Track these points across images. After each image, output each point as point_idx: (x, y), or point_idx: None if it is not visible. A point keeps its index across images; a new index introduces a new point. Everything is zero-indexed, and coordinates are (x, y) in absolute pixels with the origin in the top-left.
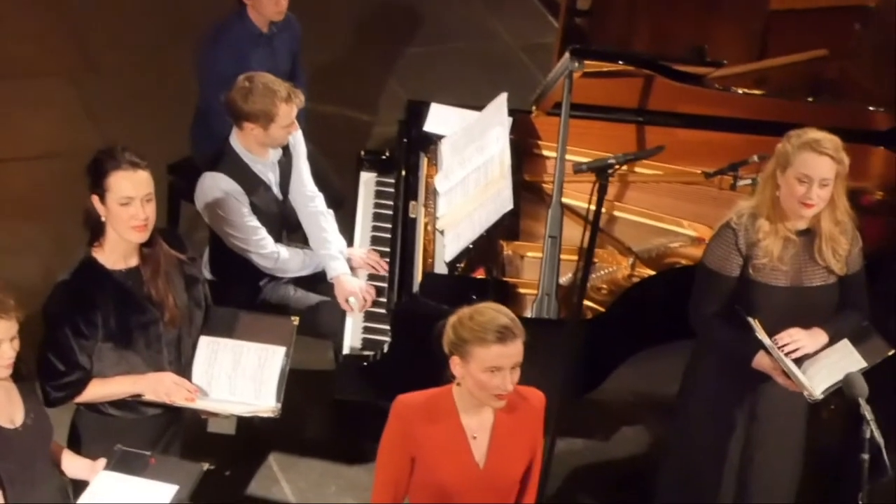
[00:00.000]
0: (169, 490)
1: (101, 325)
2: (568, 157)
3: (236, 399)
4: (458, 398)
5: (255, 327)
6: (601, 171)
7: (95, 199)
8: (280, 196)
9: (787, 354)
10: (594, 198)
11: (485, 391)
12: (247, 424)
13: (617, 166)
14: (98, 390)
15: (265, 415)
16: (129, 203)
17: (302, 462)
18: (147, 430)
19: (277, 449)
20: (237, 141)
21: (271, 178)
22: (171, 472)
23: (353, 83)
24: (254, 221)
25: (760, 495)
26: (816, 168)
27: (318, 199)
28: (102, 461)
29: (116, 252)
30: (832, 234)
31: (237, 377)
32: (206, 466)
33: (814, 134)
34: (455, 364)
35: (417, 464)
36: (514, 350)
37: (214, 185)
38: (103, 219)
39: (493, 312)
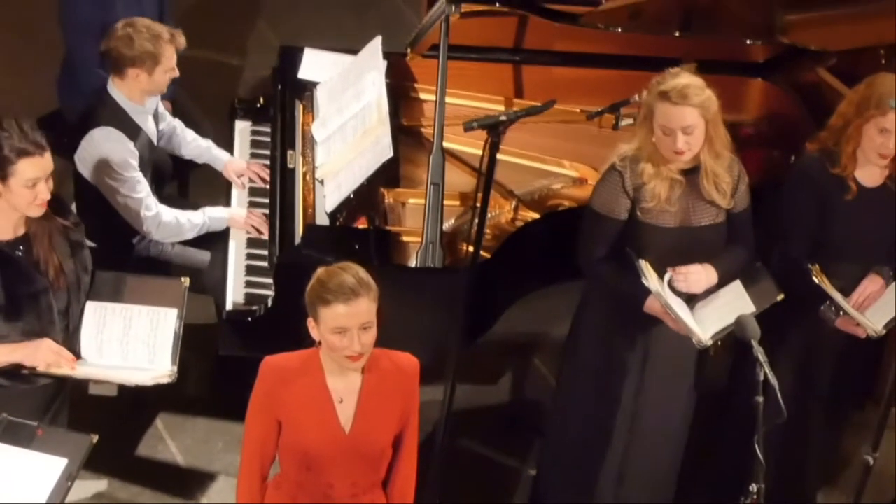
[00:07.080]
0: (58, 463)
1: None
2: (447, 100)
3: (129, 364)
4: (325, 360)
5: (143, 290)
6: (492, 129)
7: None
8: (155, 143)
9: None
10: (486, 155)
11: (336, 353)
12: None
13: (508, 123)
14: None
15: (162, 381)
16: (35, 185)
17: (188, 420)
18: (36, 401)
19: (162, 408)
20: (116, 90)
21: (149, 126)
22: (59, 444)
23: (220, 27)
24: (142, 179)
25: (652, 438)
26: (675, 119)
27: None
28: None
29: (6, 222)
30: (713, 169)
31: (129, 342)
32: (94, 439)
33: (672, 82)
34: (311, 326)
35: (283, 426)
36: (360, 310)
37: (107, 141)
38: None
39: (340, 272)
